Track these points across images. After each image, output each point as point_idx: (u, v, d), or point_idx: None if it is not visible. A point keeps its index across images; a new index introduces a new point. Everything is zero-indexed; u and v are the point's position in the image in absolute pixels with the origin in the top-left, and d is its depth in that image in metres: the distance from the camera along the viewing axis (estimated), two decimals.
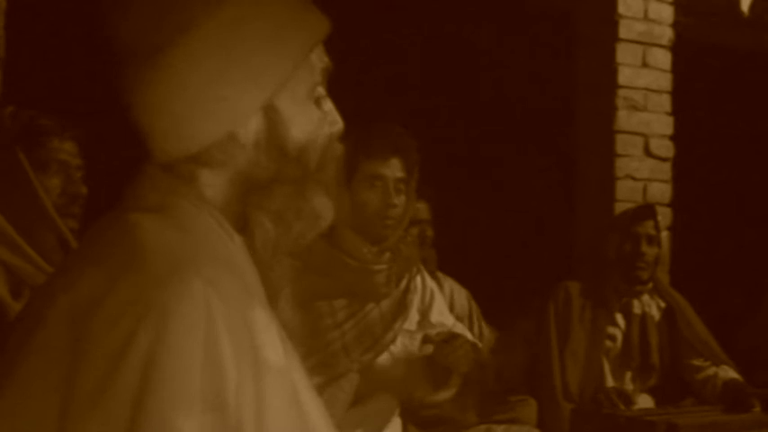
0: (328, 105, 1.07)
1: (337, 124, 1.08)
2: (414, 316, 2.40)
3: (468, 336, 2.51)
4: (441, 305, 2.50)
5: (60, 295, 0.91)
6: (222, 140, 0.98)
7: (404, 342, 2.33)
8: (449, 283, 3.43)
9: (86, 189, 1.95)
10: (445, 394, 2.24)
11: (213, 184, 1.01)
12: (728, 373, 3.20)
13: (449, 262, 3.51)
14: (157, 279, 0.87)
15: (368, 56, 4.66)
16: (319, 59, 1.05)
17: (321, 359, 2.15)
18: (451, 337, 2.31)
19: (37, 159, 1.87)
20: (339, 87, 1.15)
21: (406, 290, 2.36)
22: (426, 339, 2.37)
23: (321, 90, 1.06)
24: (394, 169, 2.26)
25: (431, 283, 2.52)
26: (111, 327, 0.85)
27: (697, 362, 3.25)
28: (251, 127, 1.00)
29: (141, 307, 0.85)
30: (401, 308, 2.33)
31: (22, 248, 1.81)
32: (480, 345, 2.62)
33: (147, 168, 1.02)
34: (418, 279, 2.47)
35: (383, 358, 2.28)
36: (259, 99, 0.99)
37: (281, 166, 1.02)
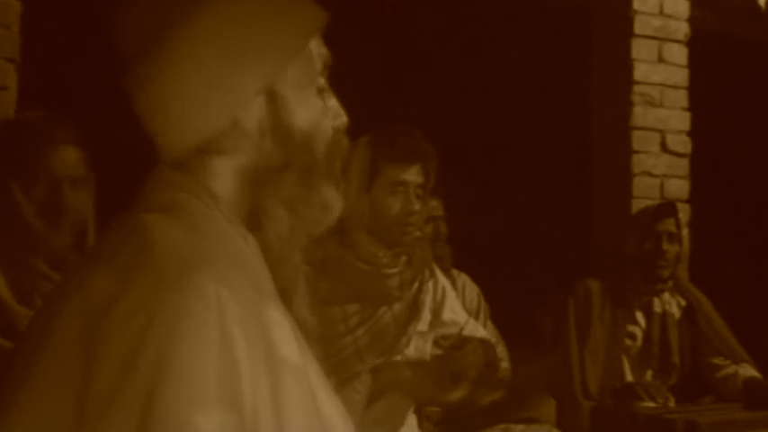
0: (331, 98, 1.08)
1: (341, 117, 1.09)
2: (426, 316, 2.39)
3: (480, 332, 2.50)
4: (453, 302, 2.49)
5: (72, 298, 0.91)
6: (226, 128, 0.99)
7: (417, 344, 2.32)
8: (462, 278, 3.43)
9: (86, 194, 1.89)
10: (455, 395, 2.23)
11: (222, 175, 1.01)
12: (748, 371, 3.18)
13: (464, 259, 3.50)
14: (168, 279, 0.87)
15: (377, 50, 4.66)
16: (318, 50, 1.06)
17: (333, 365, 2.14)
18: (461, 342, 2.30)
19: (25, 170, 1.81)
20: (348, 77, 1.15)
21: (419, 292, 2.35)
22: (436, 344, 2.37)
23: (322, 81, 1.07)
24: (415, 175, 2.26)
25: (443, 280, 2.51)
26: (124, 328, 0.85)
27: (717, 360, 3.23)
28: (253, 113, 1.00)
29: (152, 308, 0.85)
30: (414, 311, 2.32)
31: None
32: (493, 340, 2.61)
33: (158, 169, 1.03)
34: (431, 280, 2.46)
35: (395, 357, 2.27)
36: (257, 83, 1.00)
37: (287, 153, 1.02)
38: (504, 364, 3.28)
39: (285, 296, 1.02)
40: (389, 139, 2.26)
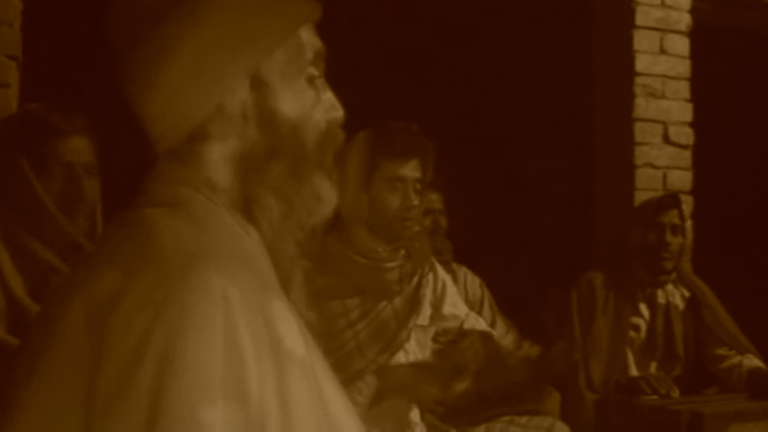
0: (326, 91, 1.08)
1: (337, 111, 1.08)
2: (426, 310, 2.40)
3: (481, 325, 2.50)
4: (453, 296, 2.50)
5: (77, 294, 0.91)
6: (212, 114, 0.99)
7: (418, 338, 2.33)
8: (462, 271, 3.43)
9: (96, 182, 1.91)
10: (457, 389, 2.24)
11: (215, 162, 1.01)
12: (753, 361, 3.18)
13: (465, 253, 3.50)
14: (174, 275, 0.87)
15: (378, 42, 4.65)
16: (311, 40, 1.06)
17: (335, 360, 2.15)
18: (460, 336, 2.31)
19: (39, 161, 1.84)
20: (352, 74, 1.15)
21: (419, 285, 2.35)
22: (435, 340, 2.38)
23: (315, 71, 1.06)
24: (413, 170, 2.27)
25: (443, 274, 2.52)
26: (129, 324, 0.85)
27: (721, 351, 3.23)
28: (237, 98, 1.00)
29: (158, 303, 0.85)
30: (414, 304, 2.32)
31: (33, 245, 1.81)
32: (494, 333, 2.62)
33: (159, 163, 1.03)
34: (430, 273, 2.46)
35: (398, 359, 2.28)
36: (241, 68, 1.00)
37: (272, 140, 1.02)
38: (521, 351, 3.27)
39: (283, 286, 1.02)
40: (387, 134, 2.26)
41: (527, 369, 2.99)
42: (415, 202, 2.27)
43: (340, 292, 2.23)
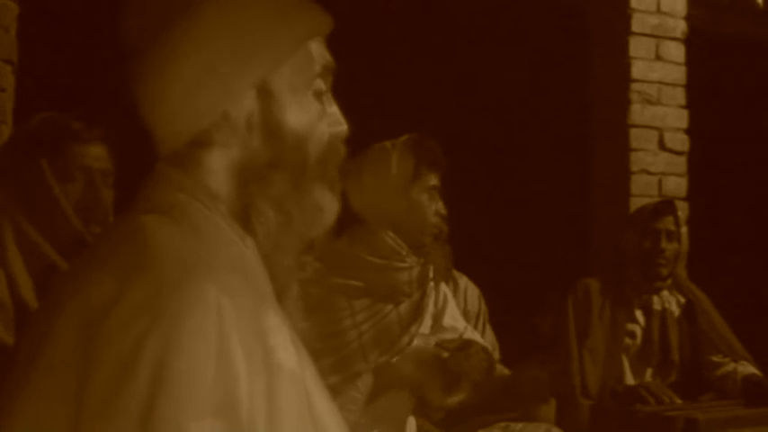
0: (332, 105, 1.08)
1: (341, 125, 1.09)
2: (427, 320, 2.41)
3: (479, 339, 2.52)
4: (453, 309, 2.53)
5: (70, 300, 0.90)
6: (217, 121, 0.99)
7: (419, 345, 2.34)
8: (464, 280, 3.44)
9: (111, 192, 1.92)
10: (456, 398, 2.25)
11: (215, 170, 1.01)
12: (748, 368, 3.18)
13: (462, 258, 3.50)
14: (169, 284, 0.86)
15: (380, 50, 4.66)
16: (320, 54, 1.06)
17: (338, 359, 2.16)
18: (465, 344, 2.33)
19: (59, 166, 1.84)
20: (355, 85, 1.15)
21: (423, 294, 2.38)
22: (440, 346, 2.39)
23: (322, 85, 1.06)
24: (438, 180, 2.37)
25: (444, 287, 2.56)
26: (123, 332, 0.84)
27: (716, 358, 3.23)
28: (244, 107, 1.00)
29: (152, 312, 0.84)
30: (418, 312, 2.34)
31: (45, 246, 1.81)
32: (490, 348, 2.63)
33: (158, 168, 1.02)
34: (433, 284, 2.48)
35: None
36: (250, 78, 1.00)
37: (275, 151, 1.02)
38: (498, 368, 3.30)
39: (278, 296, 1.01)
40: (426, 145, 2.34)
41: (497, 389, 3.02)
42: (444, 211, 2.38)
43: (349, 292, 2.25)
